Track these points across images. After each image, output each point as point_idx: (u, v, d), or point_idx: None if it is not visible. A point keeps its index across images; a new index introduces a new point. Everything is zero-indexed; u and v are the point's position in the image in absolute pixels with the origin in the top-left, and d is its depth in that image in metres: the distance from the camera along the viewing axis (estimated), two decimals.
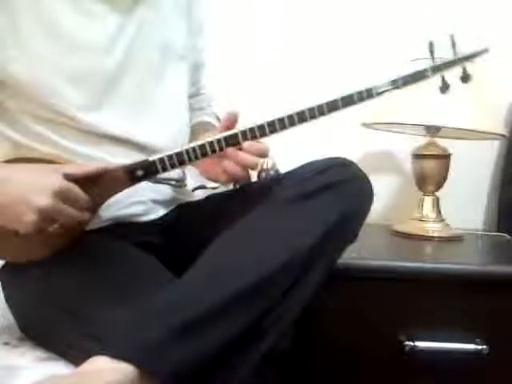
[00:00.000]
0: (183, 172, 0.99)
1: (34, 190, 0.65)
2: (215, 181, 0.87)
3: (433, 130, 1.24)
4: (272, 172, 1.21)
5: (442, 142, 1.26)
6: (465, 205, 1.41)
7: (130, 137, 0.82)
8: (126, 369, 0.55)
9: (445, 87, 0.78)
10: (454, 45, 0.77)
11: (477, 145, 1.34)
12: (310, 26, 1.41)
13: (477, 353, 0.93)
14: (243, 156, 0.74)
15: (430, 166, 1.24)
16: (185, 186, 1.00)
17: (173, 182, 0.93)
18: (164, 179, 0.90)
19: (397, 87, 0.76)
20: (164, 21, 0.88)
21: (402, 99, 1.19)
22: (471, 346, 0.94)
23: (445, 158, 1.24)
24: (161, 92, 0.87)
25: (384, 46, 1.40)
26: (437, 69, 0.76)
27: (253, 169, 0.76)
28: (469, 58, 0.77)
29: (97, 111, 0.79)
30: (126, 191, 0.78)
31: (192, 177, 1.41)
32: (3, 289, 0.81)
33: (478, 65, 1.17)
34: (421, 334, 0.95)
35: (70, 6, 0.77)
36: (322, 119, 1.36)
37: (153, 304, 0.62)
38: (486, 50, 0.77)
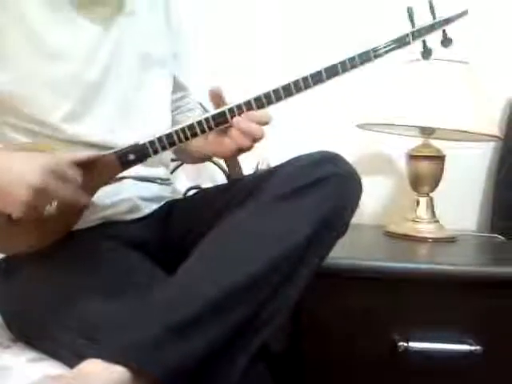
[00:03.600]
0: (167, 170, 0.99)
1: (27, 170, 0.65)
2: (221, 155, 0.83)
3: (427, 132, 1.24)
4: None
5: (436, 144, 1.26)
6: (459, 206, 1.42)
7: (112, 144, 0.81)
8: (120, 371, 0.55)
9: (427, 53, 0.78)
10: (432, 9, 0.76)
11: (471, 146, 1.34)
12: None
13: (470, 353, 0.93)
14: (248, 124, 0.72)
15: (424, 167, 1.24)
16: (170, 184, 1.00)
17: (158, 181, 0.93)
18: (150, 177, 0.90)
19: (379, 55, 0.75)
20: (143, 29, 0.89)
21: (396, 100, 1.19)
22: (464, 347, 0.94)
23: (439, 159, 1.25)
24: (143, 99, 0.88)
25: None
26: (417, 33, 0.75)
27: (259, 138, 0.73)
28: (448, 21, 0.76)
29: (79, 120, 0.80)
30: (112, 189, 0.78)
31: (186, 177, 1.41)
32: None
33: (473, 67, 1.19)
34: (414, 334, 0.95)
35: (52, 17, 0.77)
36: (316, 119, 1.36)
37: (145, 304, 0.62)
38: (465, 13, 0.76)
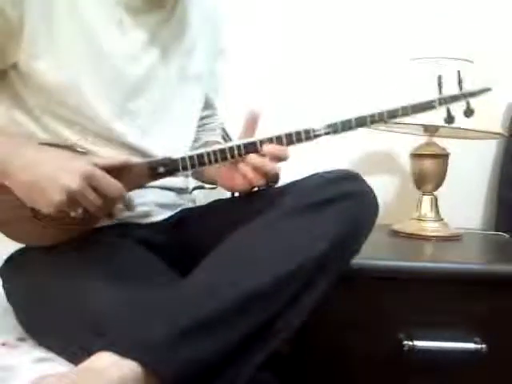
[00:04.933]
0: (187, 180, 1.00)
1: (65, 172, 0.67)
2: (233, 190, 0.88)
3: (431, 130, 1.24)
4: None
5: (440, 142, 1.26)
6: (463, 204, 1.41)
7: (142, 147, 0.83)
8: (129, 366, 0.55)
9: (450, 119, 0.83)
10: (460, 81, 0.82)
11: (475, 144, 1.34)
12: (312, 35, 1.41)
13: (476, 352, 0.93)
14: (262, 162, 0.76)
15: (428, 165, 1.24)
16: (188, 192, 1.01)
17: (176, 190, 0.94)
18: (168, 186, 0.91)
19: (406, 114, 0.81)
20: (187, 42, 0.90)
21: (399, 98, 1.19)
22: (470, 345, 0.93)
23: (443, 157, 1.24)
24: (176, 108, 0.89)
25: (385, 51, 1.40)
26: (443, 101, 0.81)
27: (271, 175, 0.77)
28: (473, 94, 0.82)
29: (117, 119, 0.81)
30: (130, 193, 0.79)
31: (190, 177, 1.41)
32: (4, 285, 0.82)
33: (477, 65, 1.18)
34: (420, 333, 0.95)
35: (105, 16, 0.79)
36: (320, 118, 1.36)
37: (158, 303, 0.62)
38: (489, 89, 0.82)
